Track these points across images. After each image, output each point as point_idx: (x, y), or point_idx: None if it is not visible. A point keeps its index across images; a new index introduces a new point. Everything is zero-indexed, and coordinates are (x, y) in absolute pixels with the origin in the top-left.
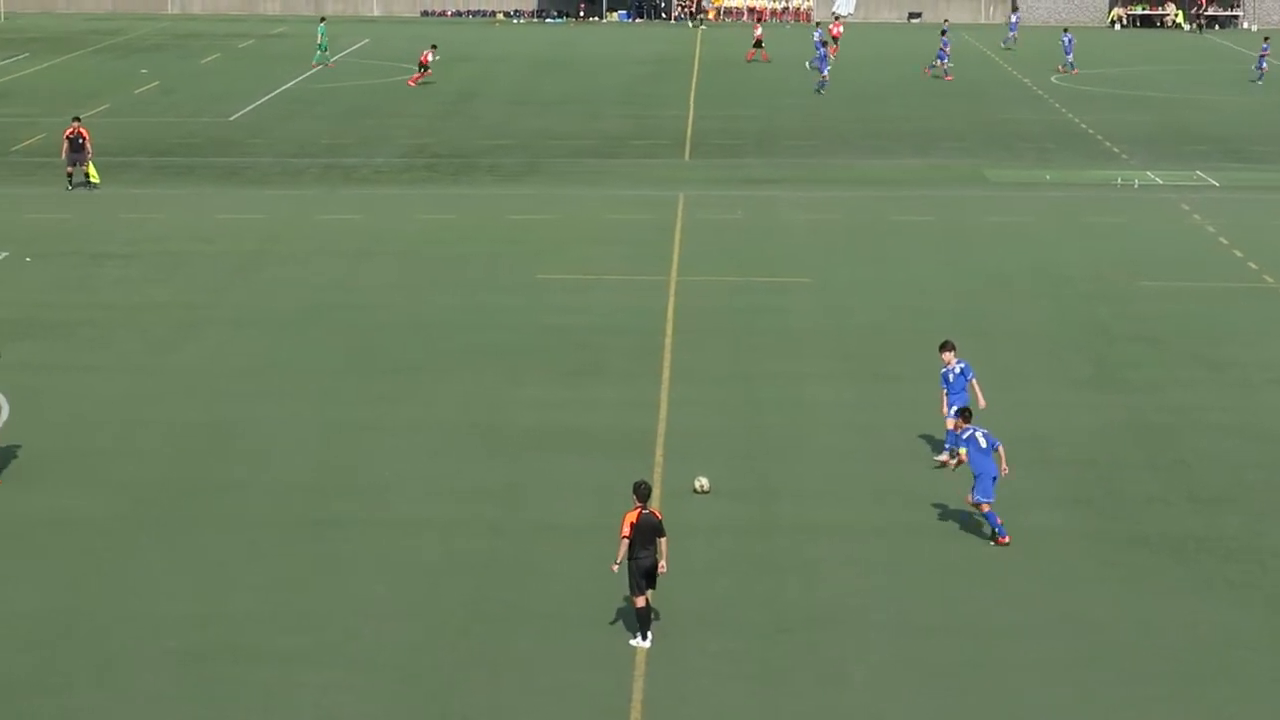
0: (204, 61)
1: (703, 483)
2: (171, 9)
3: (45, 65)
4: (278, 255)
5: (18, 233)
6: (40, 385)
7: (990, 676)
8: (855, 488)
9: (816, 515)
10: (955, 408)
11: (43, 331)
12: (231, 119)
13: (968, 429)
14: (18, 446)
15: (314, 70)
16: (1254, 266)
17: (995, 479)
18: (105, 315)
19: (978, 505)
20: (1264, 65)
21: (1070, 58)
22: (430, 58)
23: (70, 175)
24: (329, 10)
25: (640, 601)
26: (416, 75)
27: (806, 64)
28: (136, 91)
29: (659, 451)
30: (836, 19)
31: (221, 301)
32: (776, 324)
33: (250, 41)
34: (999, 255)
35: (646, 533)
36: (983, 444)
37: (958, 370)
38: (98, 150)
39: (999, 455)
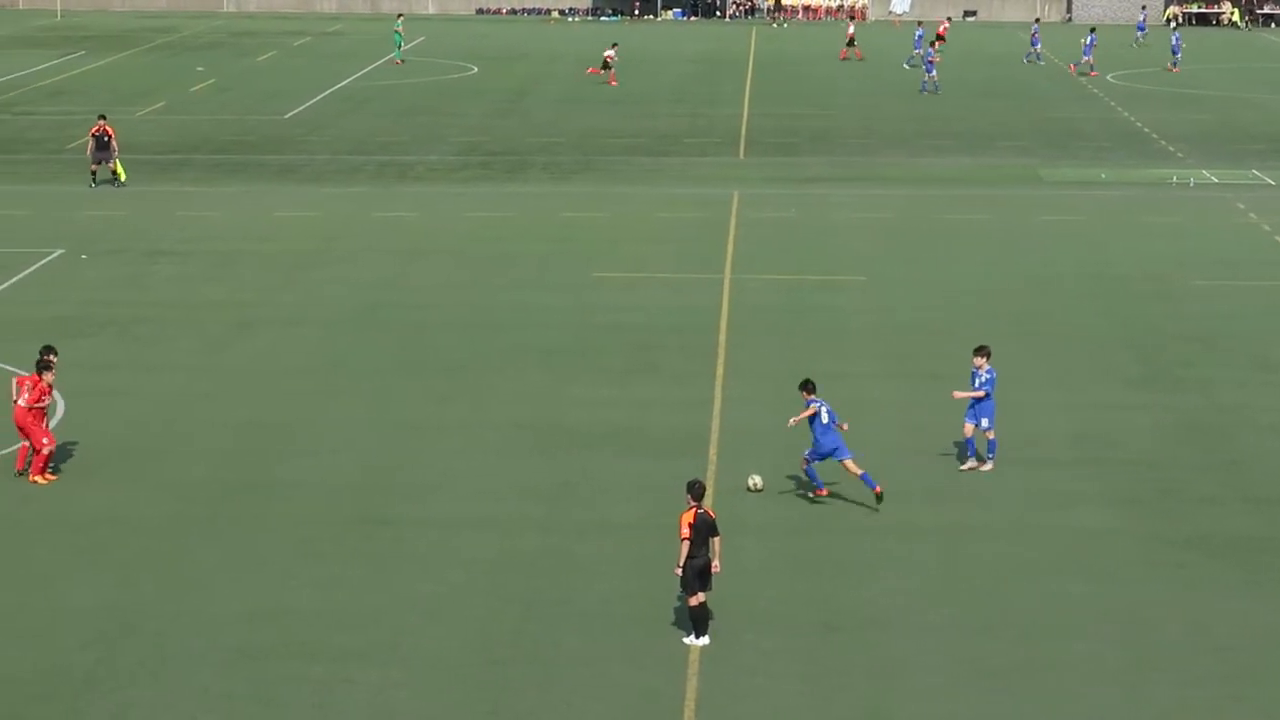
0: (259, 59)
1: (756, 481)
2: (227, 7)
3: (101, 63)
4: (332, 253)
5: (73, 230)
6: (96, 384)
7: (1042, 677)
8: (907, 487)
9: (868, 515)
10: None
11: (98, 329)
12: (287, 117)
13: (813, 400)
14: (74, 444)
15: (395, 65)
16: None
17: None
18: (160, 313)
19: (807, 462)
20: None
21: (1089, 58)
22: (613, 55)
23: (94, 173)
24: (385, 8)
25: (696, 600)
26: (596, 69)
27: (904, 64)
28: (192, 89)
29: (712, 450)
30: (894, 16)
31: (276, 300)
32: (830, 323)
33: (306, 39)
34: (1053, 254)
35: (702, 532)
36: (825, 419)
37: (984, 377)
38: (155, 148)
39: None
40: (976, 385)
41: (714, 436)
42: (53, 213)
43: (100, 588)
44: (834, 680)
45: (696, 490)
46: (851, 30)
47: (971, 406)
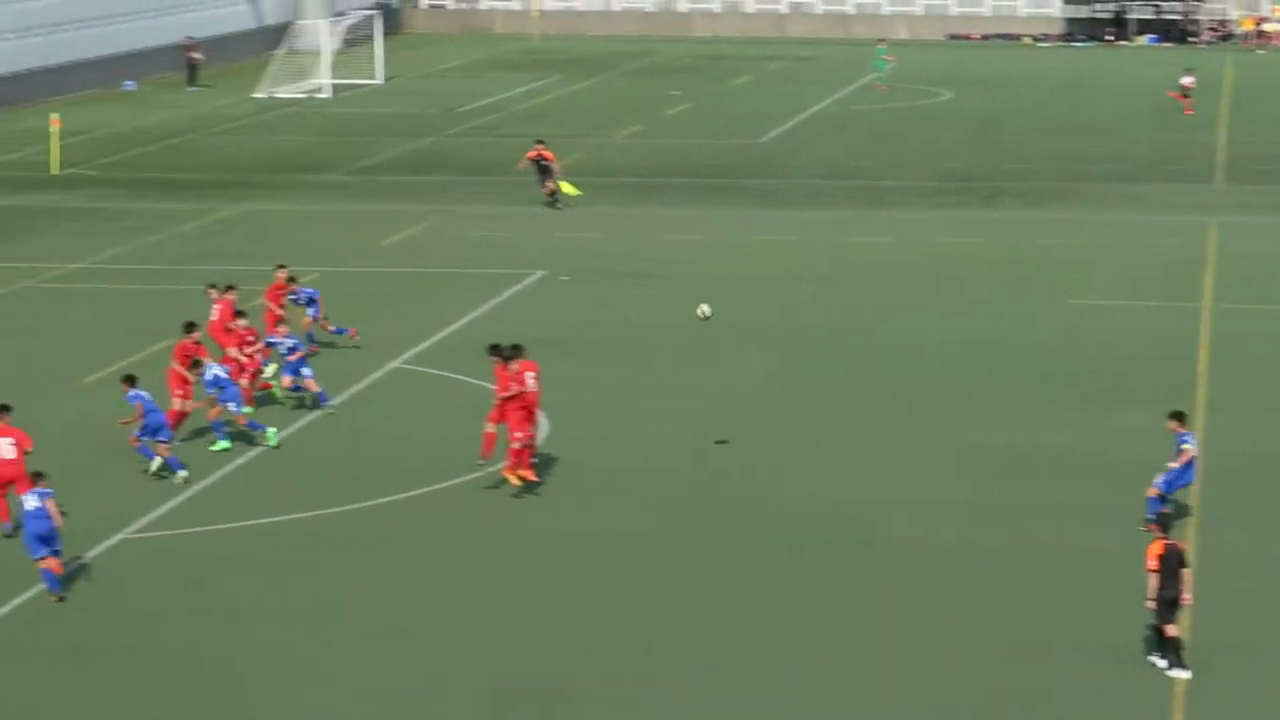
0: (734, 83)
1: (704, 310)
2: (699, 31)
3: (577, 87)
4: (807, 278)
5: (551, 252)
6: (573, 402)
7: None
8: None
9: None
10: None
11: (577, 349)
12: (762, 140)
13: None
14: (554, 461)
15: (872, 90)
16: None
17: None
18: (637, 333)
19: None
20: None
21: None
22: (1191, 83)
23: (554, 195)
24: (858, 33)
25: (1170, 630)
26: (1176, 93)
27: None
28: (668, 113)
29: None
30: None
31: (750, 322)
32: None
33: (779, 63)
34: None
35: (1170, 564)
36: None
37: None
38: (632, 171)
39: None
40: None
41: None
42: (533, 235)
43: (566, 603)
44: None
45: (1164, 521)
46: (1187, 82)
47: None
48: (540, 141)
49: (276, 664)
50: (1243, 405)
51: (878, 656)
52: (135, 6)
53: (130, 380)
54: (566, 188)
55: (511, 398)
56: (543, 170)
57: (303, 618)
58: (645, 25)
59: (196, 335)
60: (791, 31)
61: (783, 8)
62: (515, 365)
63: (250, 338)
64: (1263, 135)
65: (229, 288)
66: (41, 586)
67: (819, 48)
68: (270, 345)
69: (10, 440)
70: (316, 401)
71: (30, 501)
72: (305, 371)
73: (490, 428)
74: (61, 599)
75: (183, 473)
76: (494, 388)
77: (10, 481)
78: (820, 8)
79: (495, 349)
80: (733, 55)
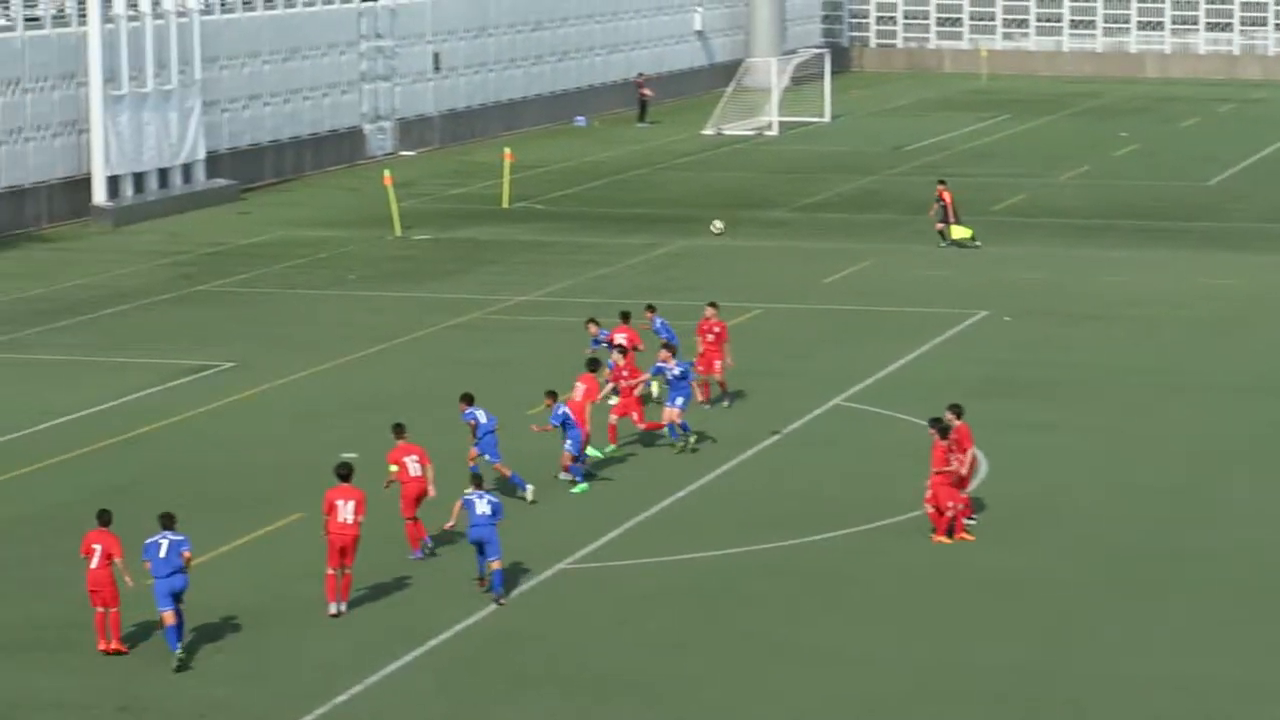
0: (1183, 125)
1: (717, 225)
2: (1150, 73)
3: (1025, 127)
4: (1254, 322)
5: (997, 292)
6: (1016, 444)
7: None
8: None
9: None
10: None
11: (1019, 390)
12: (1210, 183)
13: None
14: (998, 503)
15: None
16: None
17: None
18: (1080, 376)
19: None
20: None
21: None
22: None
23: (941, 233)
24: None
25: None
26: None
27: None
28: (1115, 154)
29: None
30: None
31: (1193, 368)
32: None
33: (1231, 105)
34: None
35: None
36: None
37: None
38: (1077, 212)
39: None
40: None
41: None
42: (973, 274)
43: (1012, 647)
44: None
45: None
46: None
47: None
48: (942, 182)
49: (728, 693)
50: None
51: None
52: (588, 43)
53: (468, 399)
54: (958, 231)
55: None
56: (942, 210)
57: (748, 647)
58: (1095, 66)
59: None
60: (1243, 73)
61: (1235, 49)
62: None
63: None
64: None
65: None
66: (489, 609)
67: (1271, 89)
68: (659, 372)
69: (414, 457)
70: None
71: (480, 506)
72: (679, 401)
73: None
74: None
75: (528, 489)
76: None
77: (419, 497)
78: (1273, 49)
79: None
80: (1183, 97)
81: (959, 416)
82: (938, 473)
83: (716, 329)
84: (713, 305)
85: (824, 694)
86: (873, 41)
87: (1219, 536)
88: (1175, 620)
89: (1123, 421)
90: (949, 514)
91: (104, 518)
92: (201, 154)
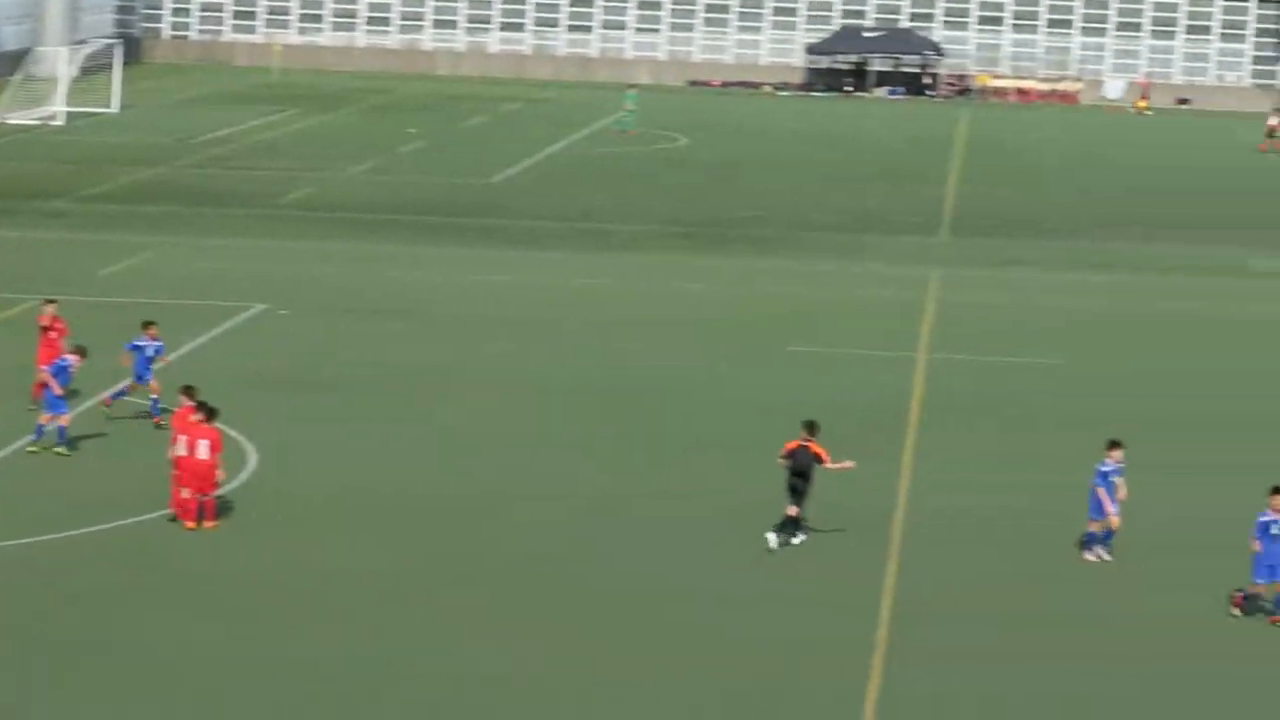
0: (470, 123)
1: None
2: (442, 70)
3: (314, 121)
4: (531, 319)
5: (274, 286)
6: (285, 439)
7: None
8: (1119, 580)
9: (1054, 603)
10: None
11: (297, 387)
12: (493, 181)
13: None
14: (258, 496)
15: (608, 135)
16: None
17: None
18: (360, 372)
19: None
20: None
21: None
22: (1276, 122)
23: None
24: (598, 76)
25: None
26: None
27: None
28: (402, 150)
29: (895, 532)
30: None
31: (468, 363)
32: (1028, 408)
33: (517, 105)
34: (1260, 347)
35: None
36: None
37: (1119, 469)
38: (362, 207)
39: None
40: (1110, 481)
41: (898, 520)
42: (256, 268)
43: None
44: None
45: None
46: (1274, 122)
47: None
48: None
49: None
50: (949, 458)
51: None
52: None
53: None
54: None
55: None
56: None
57: None
58: (389, 62)
59: None
60: (533, 73)
61: (525, 49)
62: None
63: None
64: (987, 189)
65: None
66: None
67: (559, 89)
68: None
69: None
70: None
71: None
72: None
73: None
74: None
75: None
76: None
77: None
78: (563, 50)
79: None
80: (473, 95)
81: (193, 399)
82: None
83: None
84: (50, 301)
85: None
86: (166, 33)
87: (483, 538)
88: (478, 611)
89: (395, 418)
90: (194, 499)
91: None
92: None
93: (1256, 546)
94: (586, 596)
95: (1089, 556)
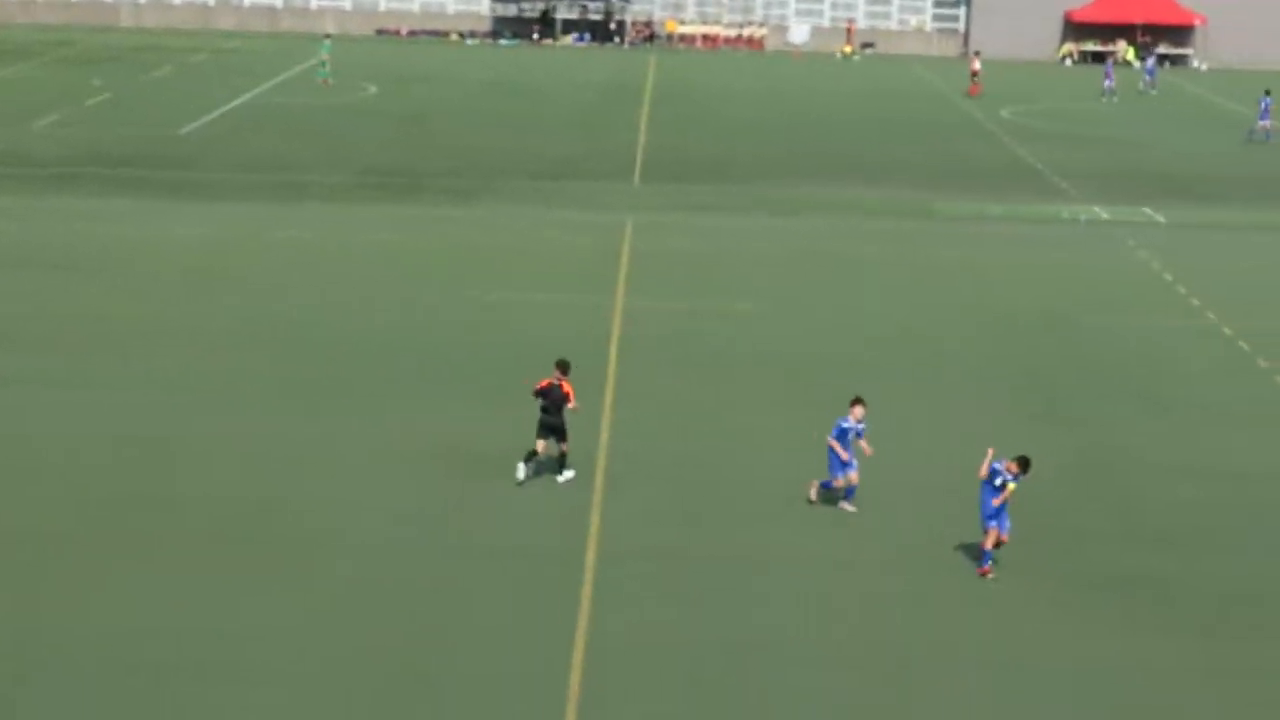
0: (156, 74)
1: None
2: (126, 22)
3: None
4: (223, 271)
5: None
6: None
7: (917, 715)
8: (795, 519)
9: (754, 546)
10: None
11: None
12: (182, 133)
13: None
14: None
15: (303, 85)
16: (1196, 303)
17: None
18: (46, 326)
19: None
20: (1266, 120)
21: (1266, 123)
22: (979, 67)
23: None
24: (283, 26)
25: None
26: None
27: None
28: (88, 103)
29: (599, 476)
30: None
31: (162, 315)
32: (721, 351)
33: (203, 56)
34: (946, 289)
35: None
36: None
37: (860, 428)
38: (49, 161)
39: None
40: (850, 439)
41: (601, 464)
42: None
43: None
44: (718, 714)
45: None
46: (977, 66)
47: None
48: None
49: None
50: (645, 403)
51: (283, 649)
52: None
53: None
54: None
55: None
56: None
57: None
58: (71, 15)
59: None
60: (219, 24)
61: (210, 1)
62: None
63: None
64: (677, 136)
65: None
66: None
67: (245, 40)
68: None
69: None
70: None
71: None
72: None
73: None
74: None
75: None
76: None
77: None
78: (248, 1)
79: None
80: (157, 46)
81: None
82: None
83: None
84: None
85: None
86: None
87: (171, 485)
88: (129, 570)
89: (88, 370)
90: None
91: None
92: None
93: (837, 448)
94: (257, 543)
95: (847, 506)
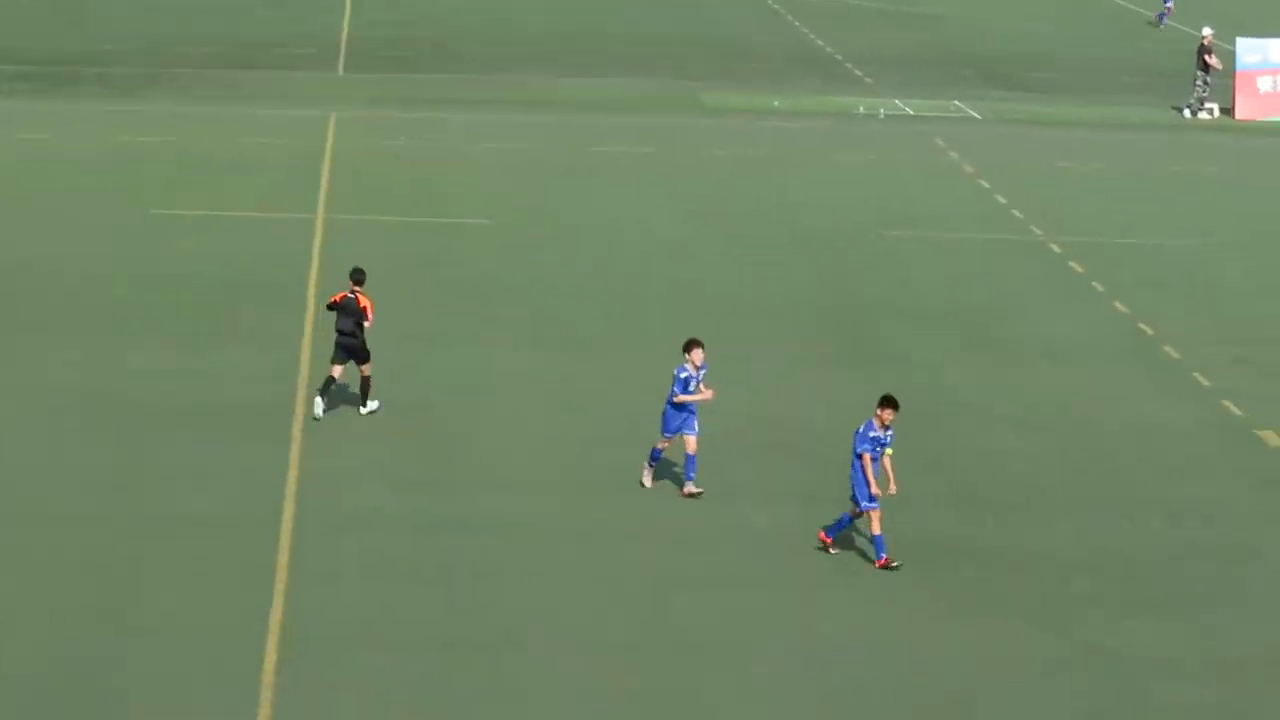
0: None
1: None
2: None
3: None
4: None
5: None
6: None
7: (698, 703)
8: (544, 478)
9: (498, 510)
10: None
11: None
12: None
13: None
14: None
15: None
16: (1019, 215)
17: None
18: None
19: None
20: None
21: (1170, 5)
22: None
23: None
24: None
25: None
26: None
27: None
28: None
29: (297, 426)
30: None
31: None
32: (448, 275)
33: None
34: (721, 200)
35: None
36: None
37: (700, 375)
38: None
39: None
40: (691, 388)
41: (299, 413)
42: None
43: None
44: (446, 708)
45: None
46: None
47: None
48: None
49: None
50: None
51: None
52: None
53: None
54: None
55: None
56: None
57: None
58: None
59: None
60: None
61: None
62: None
63: None
64: (390, 13)
65: None
66: None
67: None
68: None
69: None
70: None
71: None
72: None
73: None
74: None
75: None
76: None
77: None
78: None
79: None
80: None
81: None
82: None
83: None
84: None
85: None
86: None
87: None
88: None
89: None
90: None
91: None
92: None
93: (685, 396)
94: None
95: (645, 480)
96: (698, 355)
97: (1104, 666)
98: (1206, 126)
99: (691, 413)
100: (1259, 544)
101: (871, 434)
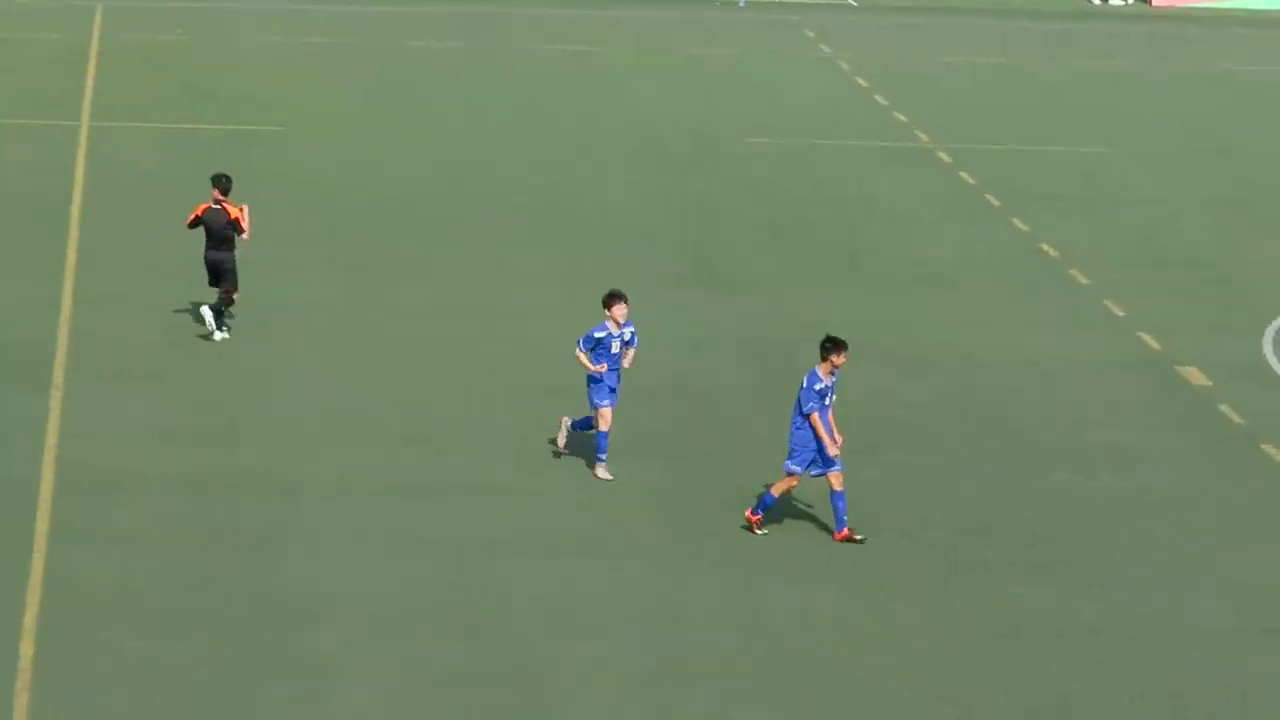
0: None
1: None
2: None
3: None
4: None
5: None
6: None
7: (531, 687)
8: (353, 431)
9: (302, 468)
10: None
11: None
12: None
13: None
14: None
15: None
16: (902, 118)
17: None
18: None
19: None
20: None
21: None
22: None
23: None
24: None
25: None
26: None
27: None
28: None
29: (59, 373)
30: None
31: None
32: (244, 192)
33: None
34: (555, 99)
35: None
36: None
37: (626, 336)
38: None
39: None
40: (614, 351)
41: (61, 354)
42: None
43: None
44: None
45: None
46: None
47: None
48: None
49: None
50: (128, 266)
51: None
52: None
53: None
54: None
55: None
56: None
57: None
58: None
59: None
60: None
61: None
62: None
63: None
64: None
65: None
66: None
67: None
68: None
69: None
70: None
71: None
72: None
73: None
74: None
75: None
76: None
77: None
78: None
79: None
80: None
81: None
82: None
83: None
84: None
85: None
86: None
87: None
88: None
89: None
90: None
91: None
92: None
93: (587, 364)
94: None
95: (559, 440)
96: (619, 311)
97: (997, 644)
98: (1118, 14)
99: (614, 374)
100: (1180, 498)
101: (818, 386)
